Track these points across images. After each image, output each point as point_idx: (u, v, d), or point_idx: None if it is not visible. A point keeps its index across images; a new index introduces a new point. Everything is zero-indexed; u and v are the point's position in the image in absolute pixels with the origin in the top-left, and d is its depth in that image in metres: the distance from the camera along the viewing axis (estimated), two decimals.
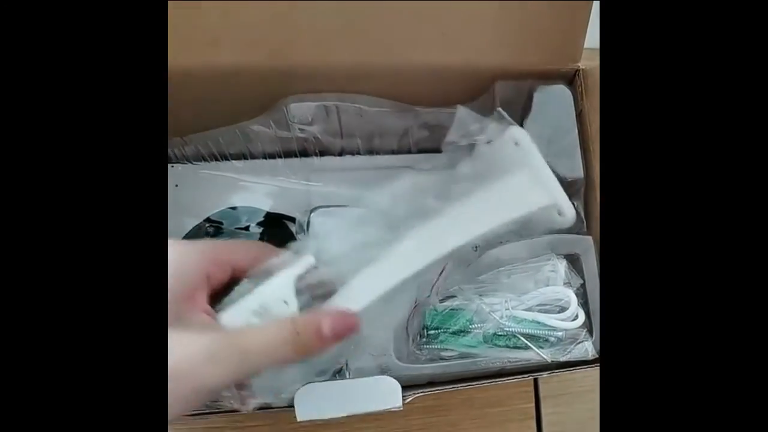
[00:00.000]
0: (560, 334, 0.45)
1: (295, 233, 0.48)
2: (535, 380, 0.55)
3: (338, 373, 0.44)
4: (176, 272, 0.29)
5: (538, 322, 0.45)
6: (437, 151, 0.54)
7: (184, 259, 0.31)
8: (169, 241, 0.27)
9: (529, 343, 0.45)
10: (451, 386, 0.42)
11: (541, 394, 0.55)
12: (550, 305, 0.46)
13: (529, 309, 0.46)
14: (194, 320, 0.30)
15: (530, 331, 0.45)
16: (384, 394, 0.39)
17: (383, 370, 0.42)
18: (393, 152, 0.53)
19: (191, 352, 0.27)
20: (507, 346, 0.46)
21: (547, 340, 0.46)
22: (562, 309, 0.46)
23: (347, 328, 0.32)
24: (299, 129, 0.47)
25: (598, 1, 0.42)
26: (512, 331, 0.45)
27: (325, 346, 0.31)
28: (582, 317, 0.45)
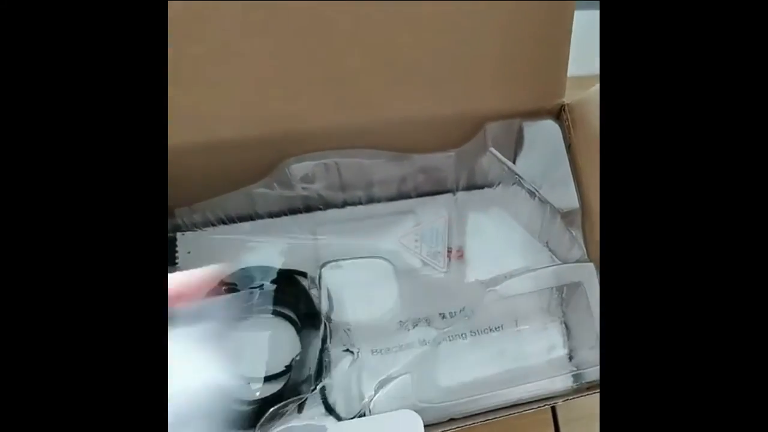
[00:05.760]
0: None
1: (307, 288, 0.49)
2: (553, 407, 0.56)
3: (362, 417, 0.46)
4: None
5: None
6: (436, 193, 0.56)
7: None
8: None
9: None
10: (471, 422, 0.43)
11: (560, 420, 0.56)
12: None
13: None
14: None
15: None
16: (407, 430, 0.40)
17: None
18: (393, 199, 0.55)
19: None
20: None
21: None
22: None
23: None
24: (302, 187, 0.49)
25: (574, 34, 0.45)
26: None
27: None
28: None
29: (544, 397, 0.48)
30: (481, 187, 0.55)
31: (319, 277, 0.49)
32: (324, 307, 0.48)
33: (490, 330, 0.51)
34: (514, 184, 0.50)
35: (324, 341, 0.47)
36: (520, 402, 0.47)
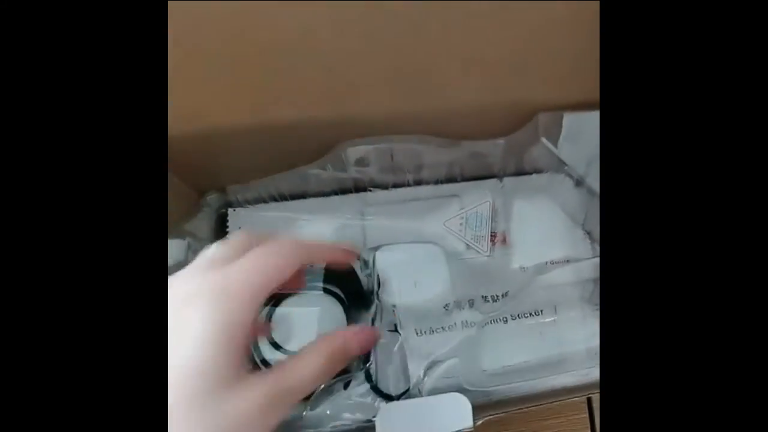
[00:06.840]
0: None
1: (360, 269, 0.50)
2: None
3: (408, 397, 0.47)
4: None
5: None
6: (482, 178, 0.56)
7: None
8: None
9: None
10: (518, 407, 0.44)
11: (594, 405, 0.57)
12: None
13: None
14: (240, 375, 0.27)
15: None
16: (456, 413, 0.41)
17: None
18: (440, 182, 0.56)
19: (247, 409, 0.26)
20: None
21: None
22: None
23: (370, 342, 0.33)
24: (356, 170, 0.50)
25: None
26: None
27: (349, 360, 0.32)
28: None
29: (582, 386, 0.49)
30: (529, 174, 0.56)
31: (374, 260, 0.50)
32: (375, 287, 0.49)
33: (530, 315, 0.53)
34: (562, 173, 0.51)
35: (373, 321, 0.48)
36: (559, 389, 0.48)
